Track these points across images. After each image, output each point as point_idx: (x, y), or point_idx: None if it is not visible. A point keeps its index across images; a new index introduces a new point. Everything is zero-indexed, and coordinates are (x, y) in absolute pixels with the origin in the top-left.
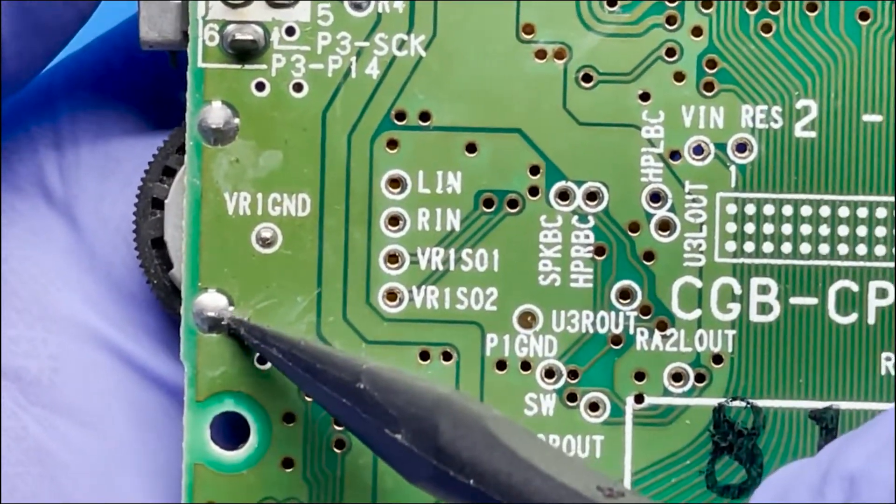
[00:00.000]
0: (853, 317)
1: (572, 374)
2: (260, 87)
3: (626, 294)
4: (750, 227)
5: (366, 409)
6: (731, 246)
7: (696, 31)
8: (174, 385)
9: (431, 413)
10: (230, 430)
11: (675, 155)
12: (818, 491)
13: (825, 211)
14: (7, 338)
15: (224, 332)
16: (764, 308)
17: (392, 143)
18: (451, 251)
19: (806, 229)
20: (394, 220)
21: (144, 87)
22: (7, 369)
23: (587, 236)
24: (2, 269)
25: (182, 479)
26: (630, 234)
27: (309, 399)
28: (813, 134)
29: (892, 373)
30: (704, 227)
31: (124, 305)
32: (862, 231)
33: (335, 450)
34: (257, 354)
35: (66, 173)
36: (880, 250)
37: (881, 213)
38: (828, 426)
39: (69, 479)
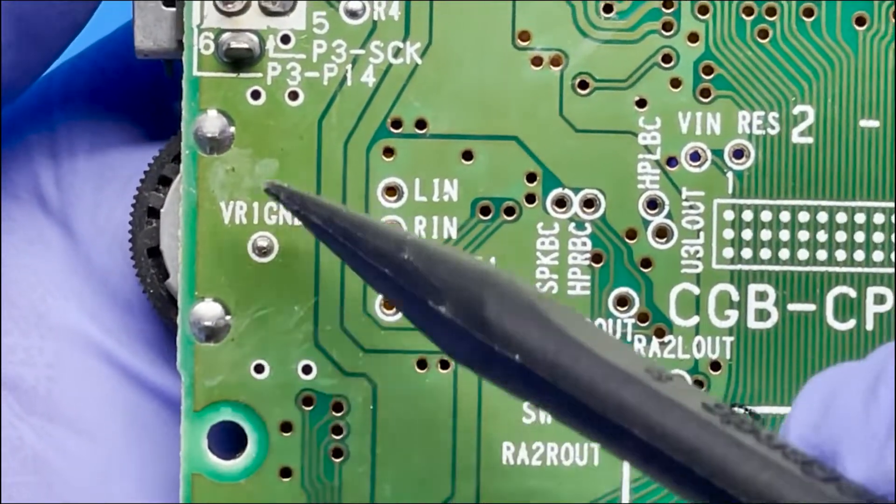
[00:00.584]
0: (851, 323)
1: None
2: (255, 95)
3: (623, 301)
4: (747, 234)
5: (408, 280)
6: (728, 252)
7: (693, 38)
8: (171, 394)
9: (478, 286)
10: (228, 440)
11: (672, 161)
12: (872, 391)
13: (823, 217)
14: (3, 346)
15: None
16: (762, 314)
17: (388, 151)
18: None
19: (803, 235)
20: None
21: (140, 94)
22: (3, 378)
23: (584, 243)
24: None
25: (180, 488)
26: (627, 241)
27: (306, 409)
28: (810, 140)
29: None
30: (702, 234)
31: (121, 314)
32: (860, 237)
33: (333, 459)
34: (254, 363)
35: (63, 182)
36: (878, 256)
37: (879, 218)
38: None
39: (66, 489)
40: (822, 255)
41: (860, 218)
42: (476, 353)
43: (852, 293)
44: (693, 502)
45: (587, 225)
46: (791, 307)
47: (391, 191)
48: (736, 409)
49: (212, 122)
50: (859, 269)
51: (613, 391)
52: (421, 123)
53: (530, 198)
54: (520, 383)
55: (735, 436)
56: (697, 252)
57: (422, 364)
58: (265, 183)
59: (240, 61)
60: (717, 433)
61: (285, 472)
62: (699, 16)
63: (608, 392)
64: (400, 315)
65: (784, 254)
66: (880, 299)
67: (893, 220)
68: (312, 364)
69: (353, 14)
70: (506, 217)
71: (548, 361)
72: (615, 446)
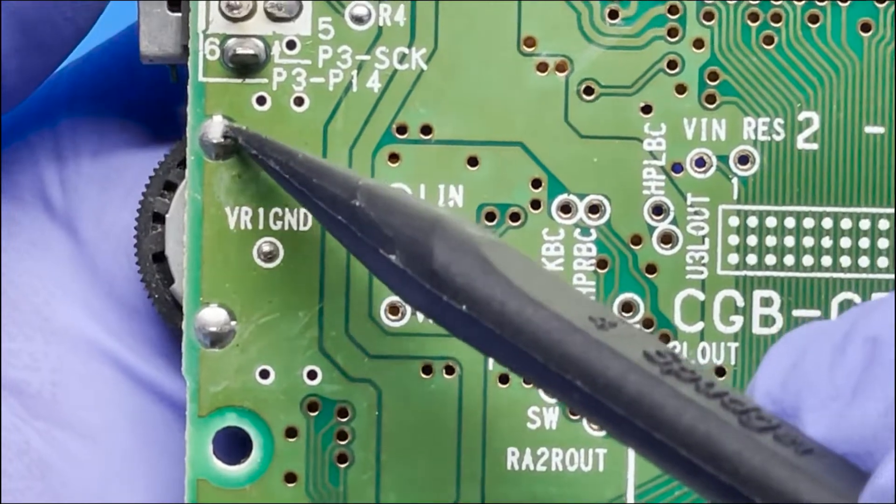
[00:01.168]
0: None
1: None
2: (261, 101)
3: (628, 307)
4: (752, 240)
5: (361, 228)
6: (733, 258)
7: (698, 44)
8: (176, 398)
9: (427, 235)
10: (233, 445)
11: (677, 167)
12: (839, 349)
13: (827, 223)
14: (8, 351)
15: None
16: (767, 320)
17: (393, 157)
18: None
19: (808, 241)
20: None
21: (145, 98)
22: (8, 382)
23: (589, 249)
24: (3, 281)
25: (185, 494)
26: (632, 247)
27: (311, 414)
28: (815, 146)
29: None
30: (707, 240)
31: (125, 317)
32: (864, 243)
33: (338, 464)
34: (259, 368)
35: (67, 185)
36: (883, 262)
37: (884, 224)
38: None
39: (71, 493)
40: (826, 261)
41: (865, 224)
42: (427, 301)
43: (857, 299)
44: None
45: (592, 231)
46: (796, 313)
47: None
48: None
49: (217, 128)
50: (864, 276)
51: (556, 343)
52: (426, 129)
53: (535, 204)
54: (470, 333)
55: (674, 386)
56: (702, 258)
57: (427, 370)
58: (225, 125)
59: (245, 67)
60: (655, 383)
61: (290, 478)
62: (704, 22)
63: (551, 343)
64: (405, 321)
65: (789, 260)
66: None
67: None
68: (317, 370)
69: (358, 20)
70: (511, 223)
71: (493, 312)
72: (564, 397)
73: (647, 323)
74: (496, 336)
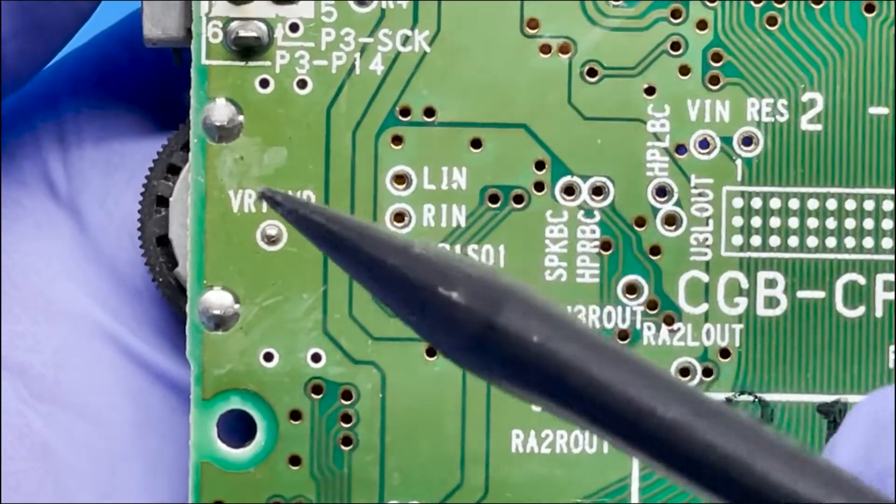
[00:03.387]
0: (860, 310)
1: None
2: (264, 83)
3: (632, 289)
4: (756, 221)
5: (416, 271)
6: (737, 240)
7: (701, 25)
8: (179, 381)
9: (498, 283)
10: (237, 428)
11: (681, 149)
12: None
13: (832, 204)
14: (11, 332)
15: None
16: (771, 302)
17: (397, 140)
18: (457, 247)
19: (812, 223)
20: (399, 217)
21: (149, 82)
22: (11, 364)
23: (593, 231)
24: (7, 263)
25: (189, 477)
26: (636, 228)
27: (315, 397)
28: (819, 127)
29: None
30: (711, 221)
31: (129, 300)
32: (869, 224)
33: (342, 447)
34: (263, 351)
35: (71, 168)
36: (887, 243)
37: (888, 205)
38: (836, 420)
39: (73, 476)
40: (831, 242)
41: (869, 205)
42: (478, 345)
43: (861, 280)
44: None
45: (596, 212)
46: (800, 294)
47: (400, 179)
48: (745, 396)
49: (220, 111)
50: (868, 257)
51: (655, 406)
52: (429, 111)
53: (539, 185)
54: (527, 382)
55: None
56: (706, 239)
57: (431, 352)
58: (259, 189)
59: (248, 50)
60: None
61: (294, 461)
62: (708, 3)
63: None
64: None
65: (793, 241)
66: (889, 286)
67: None
68: (321, 352)
69: (361, 2)
70: (514, 205)
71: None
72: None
73: (651, 304)
74: (570, 390)
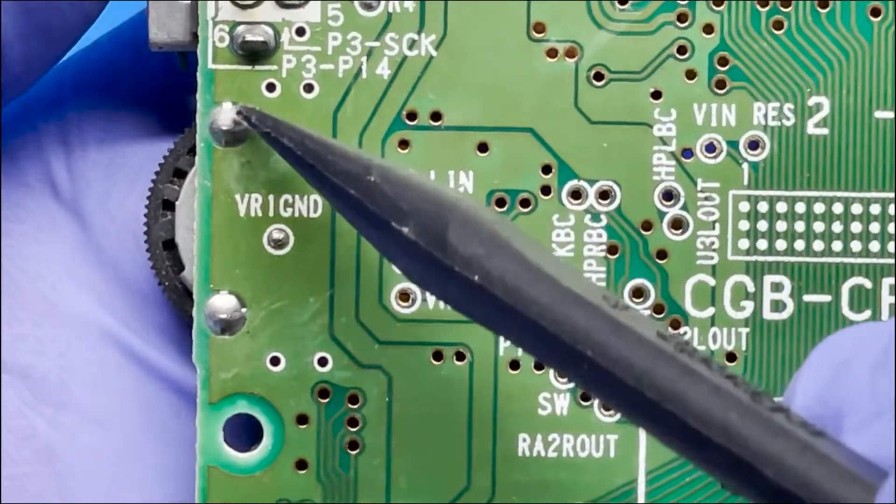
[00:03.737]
0: (867, 314)
1: None
2: (270, 87)
3: (639, 293)
4: (763, 225)
5: (374, 202)
6: (744, 244)
7: (708, 29)
8: (185, 385)
9: (442, 210)
10: (243, 432)
11: (688, 153)
12: (881, 365)
13: (838, 208)
14: (15, 335)
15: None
16: (777, 306)
17: (403, 144)
18: None
19: (819, 226)
20: None
21: (152, 84)
22: (15, 367)
23: (600, 235)
24: (10, 265)
25: (195, 481)
26: (643, 232)
27: (322, 401)
28: (825, 131)
29: None
30: (717, 225)
31: (133, 302)
32: (875, 228)
33: (349, 451)
34: (270, 355)
35: (74, 170)
36: (893, 247)
37: (894, 209)
38: None
39: (77, 480)
40: (837, 246)
41: (875, 209)
42: (436, 273)
43: (868, 284)
44: (643, 428)
45: (602, 216)
46: (806, 298)
47: None
48: None
49: (227, 115)
50: (875, 260)
51: (570, 314)
52: (436, 115)
53: (546, 189)
54: (479, 308)
55: (687, 362)
56: (713, 243)
57: (437, 356)
58: (237, 107)
59: (255, 54)
60: (668, 359)
61: (301, 465)
62: (714, 7)
63: (565, 315)
64: (416, 307)
65: (799, 245)
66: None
67: None
68: (328, 356)
69: (367, 6)
70: (521, 209)
71: (507, 284)
72: (570, 370)
73: (657, 308)
74: (507, 309)
